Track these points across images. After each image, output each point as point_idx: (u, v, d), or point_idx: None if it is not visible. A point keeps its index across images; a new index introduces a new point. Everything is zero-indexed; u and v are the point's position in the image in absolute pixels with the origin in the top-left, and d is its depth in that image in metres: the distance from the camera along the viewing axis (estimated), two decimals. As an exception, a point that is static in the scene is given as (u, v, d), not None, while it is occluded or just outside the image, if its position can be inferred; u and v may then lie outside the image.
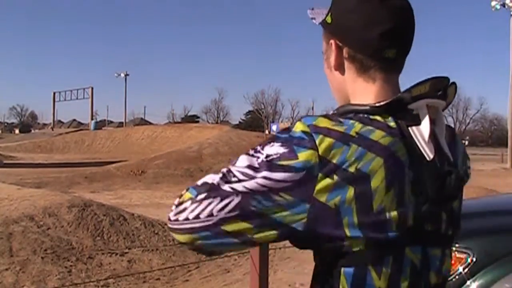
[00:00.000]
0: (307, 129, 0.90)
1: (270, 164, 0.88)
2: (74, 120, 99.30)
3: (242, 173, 0.89)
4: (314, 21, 1.09)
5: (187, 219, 0.90)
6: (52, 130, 61.17)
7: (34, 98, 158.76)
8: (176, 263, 6.12)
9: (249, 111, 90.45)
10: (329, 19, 1.05)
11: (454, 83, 1.01)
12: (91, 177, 18.57)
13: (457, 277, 3.10)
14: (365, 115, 0.94)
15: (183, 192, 0.95)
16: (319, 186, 0.88)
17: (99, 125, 62.27)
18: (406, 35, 1.02)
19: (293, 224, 0.89)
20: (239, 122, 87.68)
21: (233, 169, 0.91)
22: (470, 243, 3.23)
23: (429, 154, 0.95)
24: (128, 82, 72.24)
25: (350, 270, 0.92)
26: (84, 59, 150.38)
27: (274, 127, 43.40)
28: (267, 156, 0.89)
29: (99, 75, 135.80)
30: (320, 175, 0.87)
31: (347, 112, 0.97)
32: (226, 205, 0.88)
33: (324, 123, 0.91)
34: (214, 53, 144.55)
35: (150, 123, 76.23)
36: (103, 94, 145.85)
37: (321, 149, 0.88)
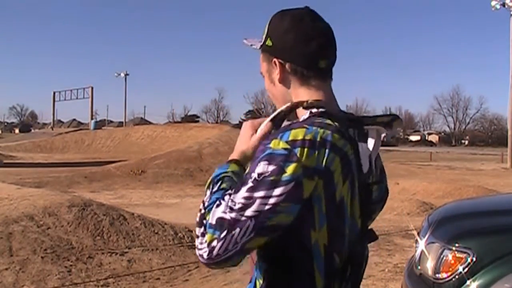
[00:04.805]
0: (287, 146, 1.08)
1: (263, 181, 1.05)
2: (74, 119, 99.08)
3: (245, 198, 1.05)
4: (253, 47, 1.30)
5: (218, 255, 1.06)
6: (52, 129, 61.13)
7: (34, 98, 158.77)
8: (176, 262, 6.12)
9: (249, 111, 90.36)
10: (269, 43, 1.25)
11: (400, 118, 1.25)
12: (91, 176, 18.57)
13: (457, 277, 3.10)
14: (321, 119, 1.15)
15: (199, 232, 1.09)
16: (305, 188, 1.07)
17: (99, 124, 62.21)
18: (333, 49, 1.26)
19: (290, 222, 1.08)
20: (239, 122, 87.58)
21: (236, 199, 1.06)
22: (470, 243, 3.23)
23: (365, 167, 1.18)
24: (128, 81, 72.04)
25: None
26: (84, 58, 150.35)
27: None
28: (259, 175, 1.06)
29: (99, 74, 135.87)
30: (304, 179, 1.06)
31: (315, 113, 1.16)
32: (245, 231, 1.05)
33: (298, 135, 1.09)
34: (214, 52, 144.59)
35: (150, 123, 76.11)
36: (103, 94, 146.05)
37: (303, 159, 1.07)
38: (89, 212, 6.96)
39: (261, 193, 1.05)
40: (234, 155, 1.24)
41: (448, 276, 3.15)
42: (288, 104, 1.23)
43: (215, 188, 1.13)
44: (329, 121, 1.15)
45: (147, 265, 5.99)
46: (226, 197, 1.08)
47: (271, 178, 1.05)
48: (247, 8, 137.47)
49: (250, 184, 1.06)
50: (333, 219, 1.12)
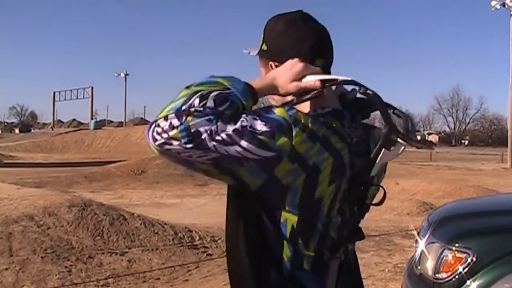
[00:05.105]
0: (288, 118, 1.08)
1: (252, 134, 1.05)
2: (74, 119, 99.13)
3: (228, 136, 1.04)
4: (251, 54, 1.31)
5: (168, 150, 1.05)
6: (52, 129, 61.15)
7: (34, 98, 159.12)
8: (176, 262, 6.12)
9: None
10: (264, 47, 1.28)
11: (432, 143, 1.29)
12: (91, 176, 18.56)
13: (457, 277, 3.10)
14: (326, 118, 1.16)
15: (172, 121, 1.03)
16: (281, 166, 1.08)
17: (99, 124, 62.27)
18: (328, 49, 1.28)
19: (248, 182, 1.10)
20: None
21: (221, 131, 1.04)
22: (470, 243, 3.23)
23: (374, 170, 1.20)
24: (128, 81, 72.22)
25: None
26: (84, 58, 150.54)
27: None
28: (251, 127, 1.06)
29: (99, 74, 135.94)
30: (286, 158, 1.07)
31: (321, 114, 1.17)
32: (205, 156, 1.05)
33: (303, 119, 1.10)
34: (214, 52, 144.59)
35: (150, 123, 76.01)
36: (103, 94, 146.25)
37: (295, 140, 1.07)
38: (89, 212, 6.95)
39: (241, 141, 1.05)
40: (261, 84, 1.18)
41: (448, 276, 3.15)
42: (345, 78, 1.20)
43: (222, 107, 1.07)
44: (333, 122, 1.16)
45: (147, 265, 5.98)
46: (219, 123, 1.04)
47: (259, 137, 1.05)
48: (247, 5, 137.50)
49: (239, 127, 1.05)
50: (306, 211, 1.14)
